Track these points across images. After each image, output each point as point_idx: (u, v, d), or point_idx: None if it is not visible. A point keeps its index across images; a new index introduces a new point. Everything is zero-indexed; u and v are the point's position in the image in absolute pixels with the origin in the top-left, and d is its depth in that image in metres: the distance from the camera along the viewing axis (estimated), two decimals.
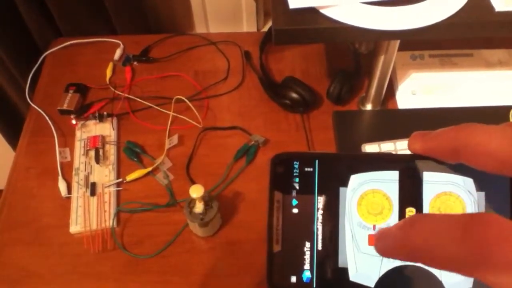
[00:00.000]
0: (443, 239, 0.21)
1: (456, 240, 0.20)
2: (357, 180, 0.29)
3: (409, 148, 0.28)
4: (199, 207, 0.67)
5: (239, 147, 0.81)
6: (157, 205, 0.75)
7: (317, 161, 0.29)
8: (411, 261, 0.23)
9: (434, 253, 0.21)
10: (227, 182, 0.78)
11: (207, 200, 0.68)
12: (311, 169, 0.29)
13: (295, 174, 0.29)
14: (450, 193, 0.28)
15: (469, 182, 0.28)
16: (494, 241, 0.19)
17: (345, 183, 0.29)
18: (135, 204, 0.76)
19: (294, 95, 0.83)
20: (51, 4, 0.93)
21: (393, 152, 0.77)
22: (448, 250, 0.20)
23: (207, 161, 0.81)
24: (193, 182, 0.77)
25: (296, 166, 0.29)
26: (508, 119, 0.82)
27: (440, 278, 0.27)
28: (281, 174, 0.29)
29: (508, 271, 0.19)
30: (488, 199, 0.28)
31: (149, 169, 0.78)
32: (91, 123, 0.84)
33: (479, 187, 0.28)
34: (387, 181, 0.29)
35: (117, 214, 0.75)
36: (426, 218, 0.22)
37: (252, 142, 0.81)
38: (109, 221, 0.73)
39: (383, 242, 0.24)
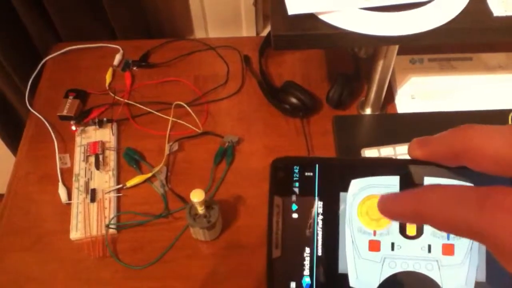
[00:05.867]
0: (458, 203, 0.21)
1: (471, 206, 0.21)
2: (357, 185, 0.29)
3: (410, 154, 0.28)
4: (202, 211, 0.67)
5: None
6: (147, 220, 0.74)
7: (317, 165, 0.29)
8: (419, 223, 0.23)
9: (447, 216, 0.22)
10: (216, 187, 0.78)
11: (208, 203, 0.68)
12: (311, 174, 0.29)
13: (295, 178, 0.29)
14: None
15: None
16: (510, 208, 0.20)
17: (345, 188, 0.29)
18: (130, 214, 0.75)
19: (294, 99, 0.83)
20: (51, 9, 0.93)
21: (393, 157, 0.77)
22: (462, 215, 0.21)
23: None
24: (180, 198, 0.77)
25: (296, 171, 0.29)
26: (507, 123, 0.82)
27: (441, 284, 0.27)
28: (281, 178, 0.29)
29: None
30: None
31: (149, 175, 0.78)
32: (91, 129, 0.84)
33: None
34: (388, 186, 0.28)
35: (117, 219, 0.75)
36: (438, 186, 0.23)
37: (227, 144, 0.81)
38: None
39: (391, 204, 0.24)
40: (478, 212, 0.21)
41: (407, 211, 0.24)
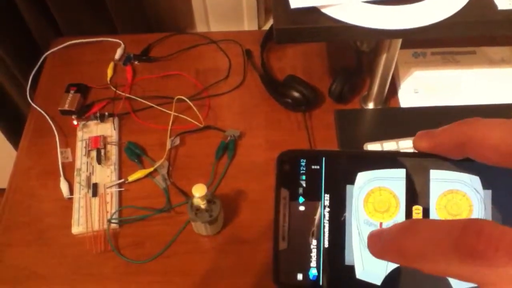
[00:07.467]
0: (436, 246, 0.21)
1: (449, 247, 0.20)
2: (364, 178, 0.29)
3: (415, 146, 0.28)
4: (203, 205, 0.67)
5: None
6: (149, 214, 0.74)
7: (324, 158, 0.29)
8: (403, 265, 0.23)
9: (427, 260, 0.21)
10: (217, 181, 0.78)
11: (210, 197, 0.68)
12: (318, 167, 0.29)
13: (301, 171, 0.29)
14: (456, 191, 0.28)
15: (475, 180, 0.28)
16: (486, 247, 0.19)
17: (352, 181, 0.29)
18: (132, 209, 0.75)
19: (296, 93, 0.83)
20: (52, 4, 0.92)
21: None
22: (441, 257, 0.21)
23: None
24: (182, 192, 0.76)
25: (303, 164, 0.29)
26: (510, 117, 0.81)
27: None
28: (287, 171, 0.30)
29: (499, 273, 0.19)
30: (494, 197, 0.28)
31: (151, 169, 0.78)
32: (92, 123, 0.84)
33: (485, 185, 0.28)
34: (394, 179, 0.29)
35: (119, 214, 0.75)
36: (422, 224, 0.22)
37: (228, 138, 0.81)
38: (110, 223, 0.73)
39: (377, 244, 0.24)
40: (458, 265, 0.20)
41: (391, 256, 0.23)
